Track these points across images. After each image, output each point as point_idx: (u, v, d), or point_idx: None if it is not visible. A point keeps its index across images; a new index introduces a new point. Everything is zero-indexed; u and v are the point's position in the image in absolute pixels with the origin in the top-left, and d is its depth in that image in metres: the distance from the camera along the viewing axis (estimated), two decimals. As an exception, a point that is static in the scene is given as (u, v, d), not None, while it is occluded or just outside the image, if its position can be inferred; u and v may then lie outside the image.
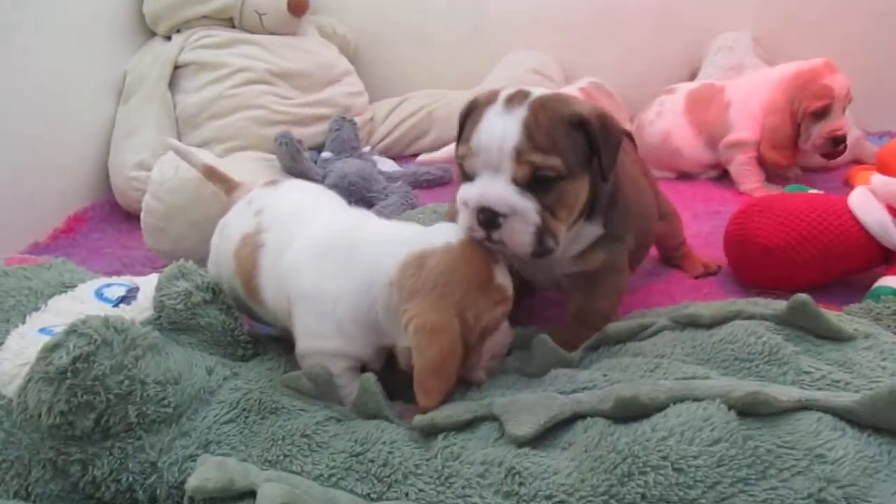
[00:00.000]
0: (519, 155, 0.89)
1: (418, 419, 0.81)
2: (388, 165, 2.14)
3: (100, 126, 2.07)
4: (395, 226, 1.00)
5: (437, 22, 2.51)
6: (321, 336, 0.94)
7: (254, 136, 2.02)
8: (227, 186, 1.28)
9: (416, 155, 2.32)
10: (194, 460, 0.83)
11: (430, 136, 2.31)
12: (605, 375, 0.85)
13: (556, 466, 0.72)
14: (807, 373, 0.79)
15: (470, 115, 0.96)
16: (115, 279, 1.10)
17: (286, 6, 2.16)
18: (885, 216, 1.28)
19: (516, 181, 0.90)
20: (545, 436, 0.77)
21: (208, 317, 0.99)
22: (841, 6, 2.27)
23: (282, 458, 0.81)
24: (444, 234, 0.93)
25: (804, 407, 0.71)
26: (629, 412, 0.75)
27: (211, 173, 1.31)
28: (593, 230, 1.02)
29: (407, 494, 0.74)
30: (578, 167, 0.93)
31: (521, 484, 0.71)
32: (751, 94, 1.94)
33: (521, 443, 0.76)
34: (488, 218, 0.90)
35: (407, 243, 0.92)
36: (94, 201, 2.04)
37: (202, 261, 1.09)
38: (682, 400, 0.74)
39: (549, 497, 0.69)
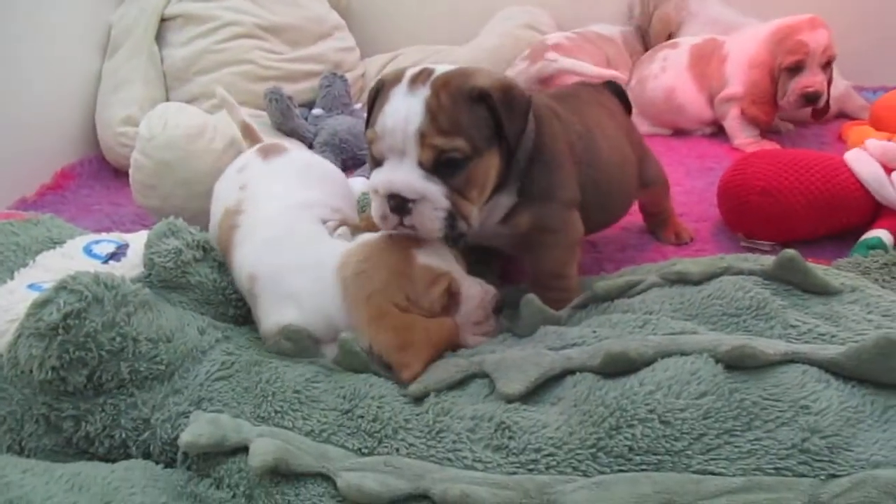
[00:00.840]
0: (423, 138, 0.87)
1: (412, 388, 0.81)
2: (379, 123, 2.12)
3: (86, 80, 2.03)
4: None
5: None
6: (282, 315, 0.94)
7: (243, 91, 1.99)
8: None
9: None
10: (187, 417, 0.84)
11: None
12: (594, 332, 0.85)
13: (545, 420, 0.73)
14: (793, 326, 0.79)
15: (377, 97, 0.94)
16: (104, 235, 1.09)
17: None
18: (881, 171, 1.29)
19: (422, 165, 0.89)
20: (535, 391, 0.78)
21: (199, 275, 0.99)
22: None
23: (273, 414, 0.82)
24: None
25: (790, 360, 0.72)
26: (618, 367, 0.75)
27: (247, 130, 1.32)
28: (507, 200, 1.01)
29: (398, 450, 0.75)
30: (485, 143, 0.91)
31: (510, 438, 0.72)
32: (742, 48, 1.93)
33: (510, 400, 0.77)
34: (398, 204, 0.89)
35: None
36: (81, 157, 2.02)
37: (192, 218, 1.08)
38: (669, 354, 0.75)
39: (537, 450, 0.70)
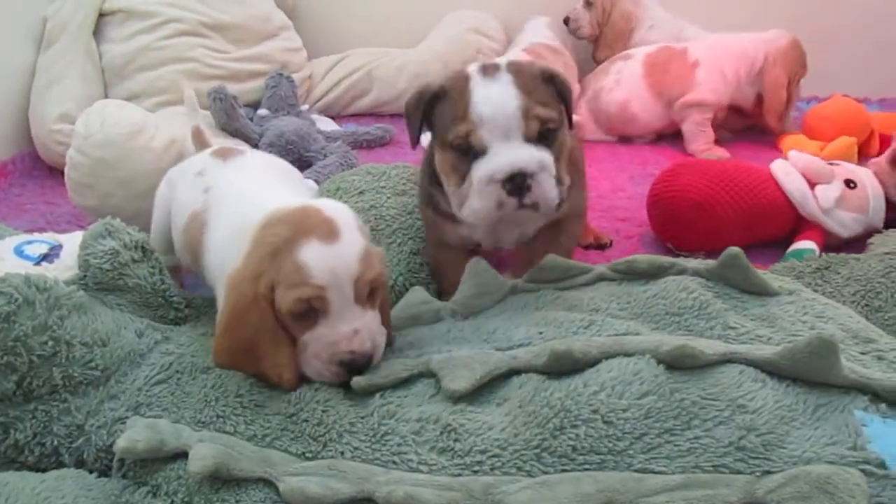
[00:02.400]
0: (526, 112, 0.93)
1: (355, 381, 0.81)
2: (326, 125, 2.10)
3: (19, 74, 1.95)
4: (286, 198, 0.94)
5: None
6: None
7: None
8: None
9: (355, 115, 2.28)
10: (124, 423, 0.81)
11: (371, 96, 2.27)
12: (540, 332, 0.86)
13: (490, 422, 0.73)
14: (732, 328, 0.82)
15: (439, 102, 0.99)
16: (36, 236, 1.05)
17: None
18: (805, 185, 1.36)
19: (528, 139, 0.94)
20: (481, 392, 0.78)
21: (137, 277, 0.96)
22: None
23: (215, 419, 0.80)
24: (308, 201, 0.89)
25: (728, 360, 0.74)
26: (562, 366, 0.76)
27: (198, 136, 1.29)
28: None
29: (342, 453, 0.74)
30: (560, 117, 0.99)
31: (455, 440, 0.72)
32: (726, 59, 1.97)
33: (457, 398, 0.77)
34: (519, 183, 0.93)
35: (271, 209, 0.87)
36: (14, 154, 1.94)
37: (131, 218, 1.05)
38: (613, 355, 0.76)
39: (483, 451, 0.70)
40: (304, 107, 2.10)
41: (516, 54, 2.09)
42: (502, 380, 0.80)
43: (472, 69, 0.98)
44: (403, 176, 1.32)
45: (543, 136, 0.95)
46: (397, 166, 1.36)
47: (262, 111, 1.99)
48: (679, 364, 0.73)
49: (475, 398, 0.77)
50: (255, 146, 1.84)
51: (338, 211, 0.86)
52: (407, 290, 1.08)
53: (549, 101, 0.97)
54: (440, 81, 1.00)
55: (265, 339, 0.82)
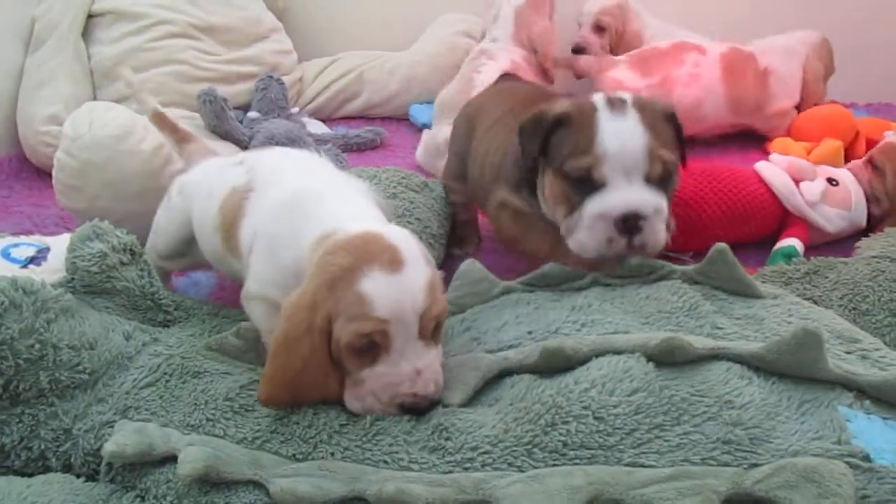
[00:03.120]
0: (651, 153, 0.92)
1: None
2: (317, 127, 2.09)
3: (6, 75, 1.93)
4: (353, 203, 0.91)
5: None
6: (268, 282, 0.88)
7: (176, 92, 1.94)
8: (178, 137, 1.22)
9: (346, 118, 2.27)
10: (111, 427, 0.80)
11: (362, 99, 2.26)
12: (529, 332, 0.86)
13: (482, 421, 0.73)
14: (720, 328, 0.83)
15: (560, 128, 0.97)
16: (23, 238, 1.04)
17: (205, -44, 2.07)
18: (790, 180, 1.39)
19: (649, 180, 0.93)
20: (473, 394, 0.78)
21: (125, 280, 0.95)
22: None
23: (204, 422, 0.80)
24: (370, 225, 0.82)
25: (716, 356, 0.75)
26: (554, 364, 0.77)
27: (161, 120, 1.26)
28: None
29: (332, 454, 0.74)
30: (676, 156, 0.98)
31: (447, 439, 0.72)
32: (788, 62, 2.00)
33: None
34: (632, 224, 0.92)
35: (334, 221, 0.82)
36: (1, 156, 1.92)
37: (119, 221, 1.05)
38: (603, 353, 0.76)
39: (474, 448, 0.70)
40: (295, 109, 2.09)
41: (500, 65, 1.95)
42: (494, 381, 0.80)
43: (599, 101, 0.96)
44: (394, 179, 1.32)
45: (662, 178, 0.94)
46: (388, 170, 1.36)
47: (253, 114, 1.99)
48: (669, 357, 0.74)
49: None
50: (245, 149, 1.83)
51: (402, 238, 0.79)
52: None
53: (670, 142, 0.96)
54: (563, 107, 0.98)
55: (314, 373, 0.77)
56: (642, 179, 0.92)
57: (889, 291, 1.03)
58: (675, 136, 0.99)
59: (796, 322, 0.83)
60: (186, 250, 1.12)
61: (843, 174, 1.43)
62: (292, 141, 1.85)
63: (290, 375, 0.77)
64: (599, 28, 2.16)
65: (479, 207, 1.35)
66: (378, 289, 0.75)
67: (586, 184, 0.94)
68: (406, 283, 0.76)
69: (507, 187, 1.11)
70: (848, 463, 0.63)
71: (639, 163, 0.92)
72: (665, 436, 0.68)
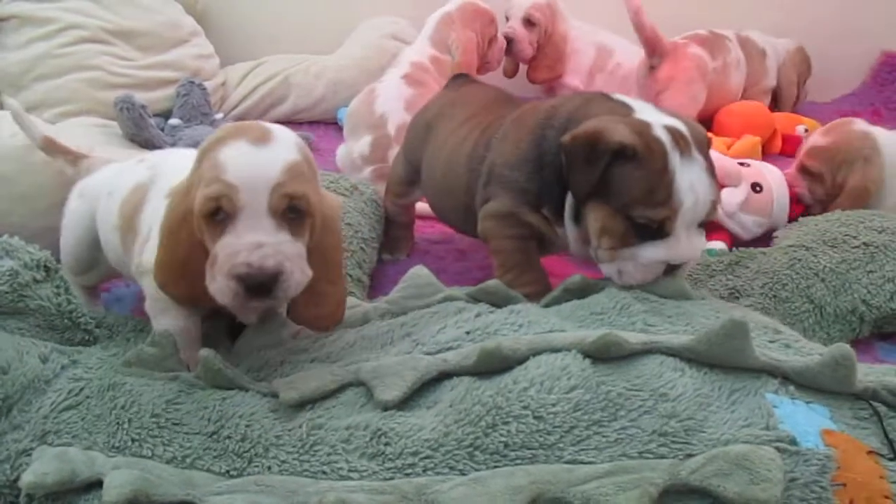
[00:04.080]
0: (713, 205, 0.93)
1: (284, 396, 0.78)
2: (243, 133, 2.04)
3: None
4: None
5: (292, -18, 2.41)
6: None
7: (90, 99, 1.86)
8: (72, 157, 1.18)
9: (273, 122, 2.23)
10: (29, 455, 0.77)
11: (289, 103, 2.22)
12: (467, 333, 0.86)
13: (421, 424, 0.73)
14: (651, 325, 0.85)
15: (623, 162, 0.90)
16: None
17: (120, -41, 2.00)
18: None
19: (700, 225, 0.94)
20: (411, 397, 0.77)
21: (39, 298, 0.90)
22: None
23: (130, 443, 0.77)
24: None
25: (649, 350, 0.76)
26: (492, 364, 0.77)
27: (51, 145, 1.20)
28: None
29: (269, 468, 0.72)
30: None
31: (386, 444, 0.71)
32: (777, 53, 2.20)
33: (388, 406, 0.76)
34: (676, 267, 0.93)
35: None
36: None
37: (32, 237, 0.99)
38: (541, 352, 0.77)
39: (414, 453, 0.70)
40: (219, 115, 2.04)
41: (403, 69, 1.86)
42: (433, 384, 0.79)
43: (664, 137, 0.90)
44: (322, 183, 1.30)
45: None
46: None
47: (174, 120, 1.92)
48: (605, 354, 0.75)
49: (405, 403, 0.77)
50: (167, 157, 1.77)
51: (282, 128, 0.82)
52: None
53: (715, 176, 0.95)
54: (624, 137, 0.90)
55: (198, 257, 0.77)
56: (697, 226, 0.94)
57: (805, 279, 1.07)
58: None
59: (724, 317, 0.86)
60: (94, 260, 1.08)
61: (770, 176, 1.45)
62: (217, 148, 1.80)
63: (177, 260, 0.79)
64: (529, 23, 2.16)
65: (437, 214, 1.32)
66: (233, 155, 0.76)
67: (649, 229, 0.91)
68: (265, 155, 0.77)
69: (513, 199, 1.04)
70: (776, 448, 0.65)
71: (704, 214, 0.92)
72: (603, 431, 0.69)
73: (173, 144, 1.81)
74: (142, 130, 1.74)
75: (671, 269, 0.93)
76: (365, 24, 2.33)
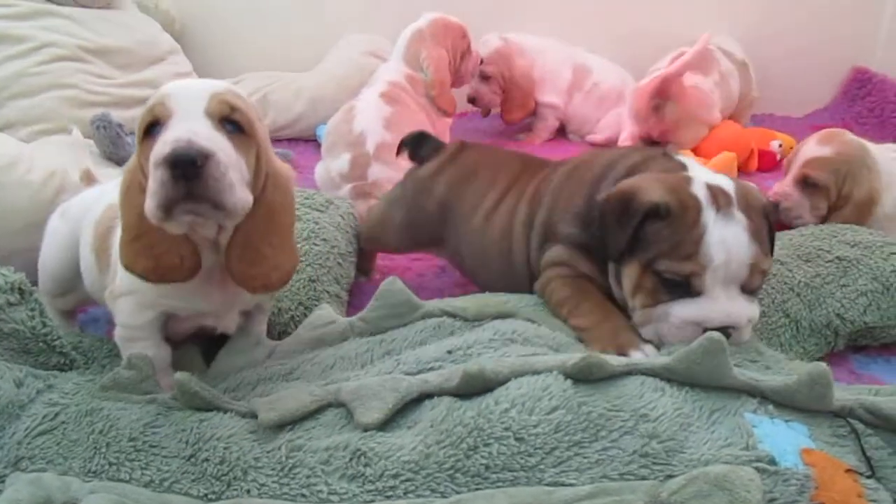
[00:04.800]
0: (754, 266, 0.88)
1: (263, 417, 0.78)
2: (221, 150, 2.03)
3: None
4: None
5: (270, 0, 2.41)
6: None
7: (67, 118, 1.83)
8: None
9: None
10: (2, 481, 0.75)
11: (267, 120, 2.21)
12: (449, 352, 0.86)
13: (400, 443, 0.72)
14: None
15: (656, 219, 0.89)
16: None
17: (97, -24, 1.99)
18: None
19: (744, 290, 0.89)
20: (392, 417, 0.77)
21: (13, 321, 0.89)
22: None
23: (107, 466, 0.75)
24: None
25: (630, 372, 0.77)
26: (475, 386, 0.76)
27: (88, 177, 1.23)
28: None
29: (248, 491, 0.71)
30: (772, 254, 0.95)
31: (366, 465, 0.71)
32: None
33: (369, 428, 0.75)
34: (725, 335, 0.82)
35: None
36: None
37: (6, 258, 0.98)
38: (523, 374, 0.77)
39: (395, 476, 0.70)
40: (197, 133, 2.02)
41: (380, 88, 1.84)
42: (414, 404, 0.79)
43: (701, 193, 0.88)
44: (297, 201, 1.29)
45: (758, 287, 0.91)
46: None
47: (151, 139, 1.91)
48: (587, 375, 0.75)
49: (386, 423, 0.77)
50: (145, 175, 1.75)
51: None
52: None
53: (768, 244, 0.92)
54: (659, 196, 0.88)
55: (151, 224, 0.78)
56: (739, 289, 0.88)
57: (781, 293, 1.09)
58: (769, 233, 0.94)
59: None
60: (73, 283, 1.06)
61: None
62: (195, 166, 1.78)
63: (133, 228, 0.81)
64: (485, 77, 2.19)
65: (477, 283, 1.24)
66: (174, 85, 0.81)
67: (680, 287, 0.88)
68: (201, 83, 0.81)
69: (568, 251, 1.02)
70: (756, 468, 0.66)
71: (741, 275, 0.87)
72: (584, 452, 0.69)
73: (151, 162, 1.79)
74: (118, 149, 1.72)
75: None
76: (343, 41, 2.34)
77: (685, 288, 0.88)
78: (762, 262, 0.89)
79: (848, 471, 0.67)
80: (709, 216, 0.87)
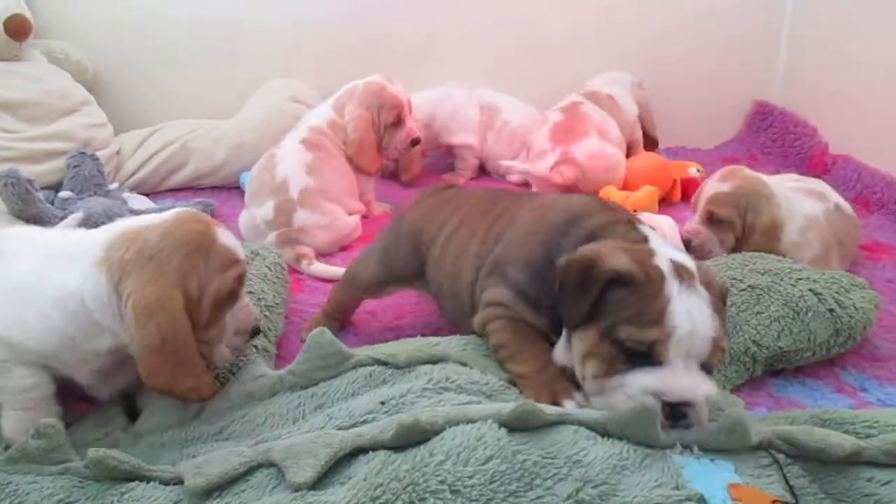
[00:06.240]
0: (715, 342, 0.86)
1: (189, 483, 0.75)
2: (140, 203, 1.97)
3: None
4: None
5: (187, 46, 2.37)
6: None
7: (-28, 175, 1.75)
8: None
9: (172, 190, 2.16)
10: None
11: (188, 169, 2.17)
12: (382, 403, 0.85)
13: (334, 500, 0.71)
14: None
15: (618, 287, 0.86)
16: None
17: (3, 29, 1.92)
18: None
19: (705, 368, 0.86)
20: (325, 473, 0.76)
21: None
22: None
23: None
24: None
25: (563, 421, 0.78)
26: (410, 438, 0.76)
27: None
28: None
29: (174, 568, 0.68)
30: None
31: (298, 528, 0.69)
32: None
33: (301, 488, 0.73)
34: (681, 412, 0.83)
35: (114, 227, 0.91)
36: None
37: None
38: (458, 423, 0.77)
39: (330, 539, 0.67)
40: (114, 185, 1.97)
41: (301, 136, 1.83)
42: (347, 459, 0.78)
43: (665, 265, 0.88)
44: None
45: (716, 365, 0.89)
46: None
47: (65, 193, 1.84)
48: (522, 424, 0.76)
49: (318, 481, 0.75)
50: (58, 232, 1.68)
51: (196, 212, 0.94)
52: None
53: (725, 325, 0.90)
54: (622, 265, 0.87)
55: (191, 350, 0.85)
56: (699, 365, 0.86)
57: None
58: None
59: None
60: None
61: (662, 224, 1.50)
62: (111, 220, 1.71)
63: (173, 366, 0.85)
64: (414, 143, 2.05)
65: (449, 320, 1.24)
66: (232, 240, 0.93)
67: (640, 356, 0.85)
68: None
69: (511, 295, 1.00)
70: (686, 507, 0.68)
71: (703, 350, 0.85)
72: (519, 501, 0.69)
73: (63, 217, 1.73)
74: (28, 206, 1.65)
75: (675, 420, 0.83)
76: (264, 87, 2.33)
77: (646, 357, 0.85)
78: (722, 339, 0.87)
79: (774, 501, 0.70)
80: (672, 287, 0.86)
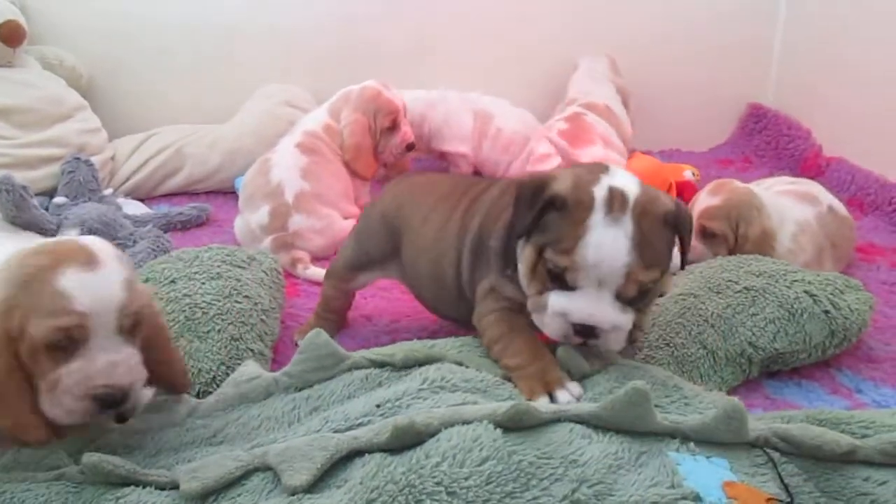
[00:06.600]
0: (629, 275, 0.88)
1: (185, 488, 0.74)
2: (134, 208, 1.97)
3: None
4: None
5: (182, 51, 2.38)
6: None
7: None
8: None
9: (166, 195, 2.16)
10: None
11: (183, 174, 2.16)
12: (377, 406, 0.85)
13: (330, 504, 0.70)
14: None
15: (554, 209, 0.91)
16: None
17: (-3, 35, 1.92)
18: None
19: (620, 297, 0.90)
20: (321, 476, 0.75)
21: None
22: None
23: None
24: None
25: (558, 418, 0.78)
26: (405, 440, 0.76)
27: None
28: None
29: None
30: (667, 265, 0.95)
31: (294, 531, 0.68)
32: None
33: (297, 491, 0.73)
34: (588, 332, 0.90)
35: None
36: None
37: None
38: (453, 424, 0.77)
39: (326, 543, 0.67)
40: (108, 191, 1.97)
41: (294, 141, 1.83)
42: (343, 462, 0.78)
43: (600, 194, 0.90)
44: (217, 258, 1.27)
45: (637, 296, 0.92)
46: (210, 248, 1.30)
47: (59, 199, 1.84)
48: (517, 423, 0.76)
49: (315, 484, 0.75)
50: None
51: (96, 241, 0.84)
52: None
53: (659, 257, 0.92)
54: (563, 188, 0.92)
55: (8, 388, 0.77)
56: (612, 294, 0.90)
57: (696, 325, 1.13)
58: (671, 242, 0.95)
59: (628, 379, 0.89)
60: None
61: None
62: (106, 225, 1.72)
63: None
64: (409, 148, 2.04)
65: (427, 306, 1.27)
66: (76, 284, 0.78)
67: (558, 279, 0.91)
68: (104, 279, 0.80)
69: (495, 272, 1.04)
70: (682, 504, 0.68)
71: (614, 279, 0.89)
72: (515, 502, 0.69)
73: (58, 224, 1.73)
74: (23, 212, 1.65)
75: (584, 340, 0.92)
76: (259, 91, 2.33)
77: (563, 281, 0.91)
78: (640, 272, 0.89)
79: (769, 500, 0.70)
80: (597, 217, 0.89)
